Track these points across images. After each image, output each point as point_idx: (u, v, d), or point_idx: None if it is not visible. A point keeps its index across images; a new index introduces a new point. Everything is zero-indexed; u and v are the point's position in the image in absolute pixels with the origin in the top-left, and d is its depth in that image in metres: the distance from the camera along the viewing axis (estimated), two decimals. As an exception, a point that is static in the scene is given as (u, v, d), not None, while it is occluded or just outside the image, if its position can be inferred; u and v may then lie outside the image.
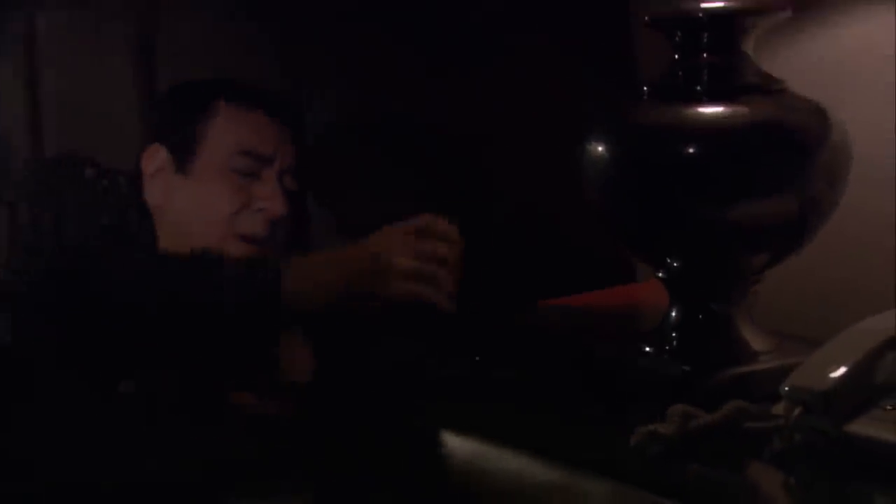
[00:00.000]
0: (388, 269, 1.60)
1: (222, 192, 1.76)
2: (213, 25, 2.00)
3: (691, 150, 1.36)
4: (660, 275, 1.49)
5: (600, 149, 1.43)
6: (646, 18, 1.47)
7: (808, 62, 1.66)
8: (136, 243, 1.79)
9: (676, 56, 1.43)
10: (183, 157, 1.78)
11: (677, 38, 1.42)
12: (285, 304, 1.57)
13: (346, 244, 1.70)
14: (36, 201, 1.82)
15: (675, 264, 1.47)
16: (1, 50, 1.97)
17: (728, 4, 1.40)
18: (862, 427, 1.14)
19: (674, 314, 1.48)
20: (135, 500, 1.59)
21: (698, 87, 1.40)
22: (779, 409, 1.19)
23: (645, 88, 1.46)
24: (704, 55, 1.41)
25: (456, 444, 1.38)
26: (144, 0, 1.99)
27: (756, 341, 1.44)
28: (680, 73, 1.43)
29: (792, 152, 1.37)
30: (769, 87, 1.41)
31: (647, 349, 1.49)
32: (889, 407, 1.16)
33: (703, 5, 1.40)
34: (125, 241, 1.78)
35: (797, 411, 1.16)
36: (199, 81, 1.86)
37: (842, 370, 1.17)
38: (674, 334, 1.48)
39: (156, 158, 1.80)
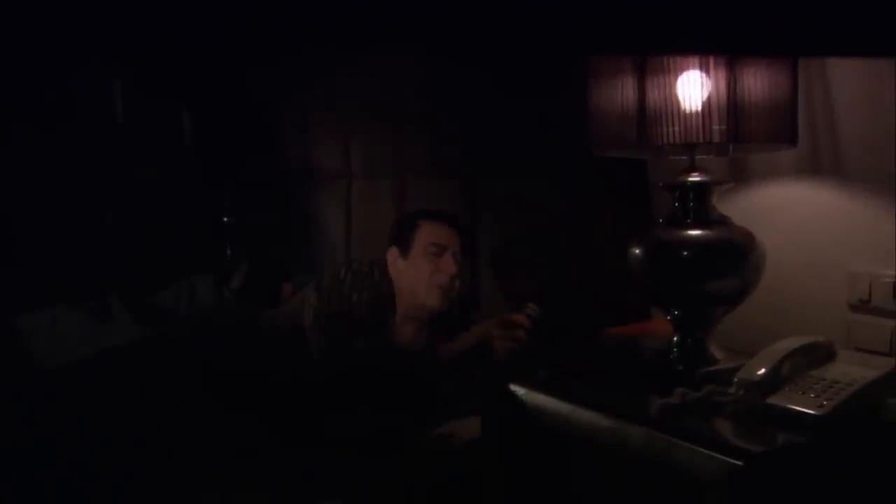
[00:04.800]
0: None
1: (424, 265, 1.87)
2: (425, 181, 2.11)
3: (685, 253, 1.51)
4: (667, 316, 1.60)
5: (638, 251, 1.56)
6: (660, 184, 1.60)
7: (741, 208, 1.68)
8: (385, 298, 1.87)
9: (676, 204, 1.56)
10: (404, 251, 1.89)
11: (676, 195, 1.55)
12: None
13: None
14: (343, 280, 1.87)
15: (676, 311, 1.58)
16: (336, 200, 2.11)
17: (702, 179, 1.53)
18: (774, 399, 1.30)
19: (675, 338, 1.58)
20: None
21: (688, 220, 1.53)
22: (732, 390, 1.34)
23: (660, 220, 1.59)
24: (690, 203, 1.54)
25: (555, 403, 1.45)
26: (398, 173, 2.12)
27: (718, 353, 1.55)
28: (677, 212, 1.55)
29: (735, 255, 1.51)
30: (723, 221, 1.54)
31: (661, 356, 1.59)
32: (787, 388, 1.31)
33: (689, 179, 1.53)
34: (381, 296, 1.86)
35: (742, 391, 1.33)
36: (411, 212, 1.97)
37: (764, 369, 1.32)
38: (675, 349, 1.58)
39: (392, 254, 1.91)
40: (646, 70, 1.46)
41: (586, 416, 1.40)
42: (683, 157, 1.56)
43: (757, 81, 1.43)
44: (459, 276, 1.88)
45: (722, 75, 1.43)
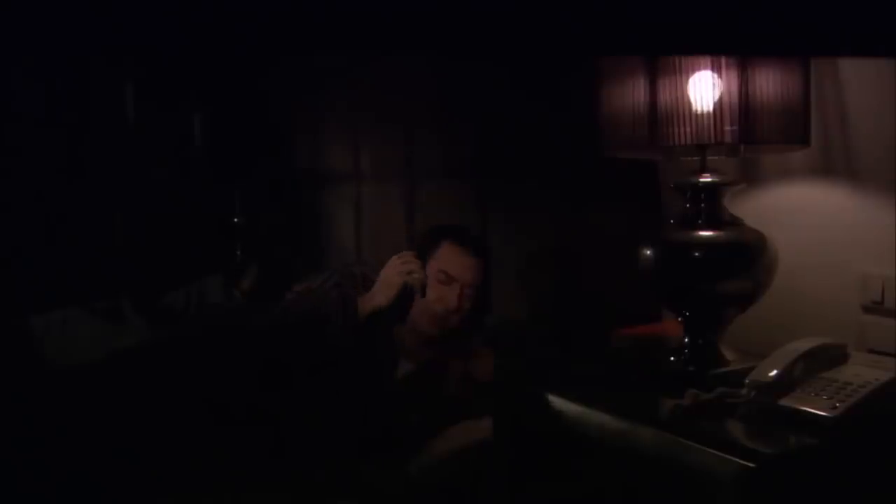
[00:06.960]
0: None
1: (428, 287, 1.80)
2: (436, 183, 2.09)
3: (696, 254, 1.50)
4: (679, 318, 1.59)
5: (648, 252, 1.55)
6: (671, 185, 1.59)
7: (753, 209, 1.68)
8: None
9: (687, 205, 1.55)
10: (423, 265, 1.82)
11: (688, 195, 1.55)
12: None
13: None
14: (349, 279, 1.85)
15: (686, 313, 1.57)
16: (346, 201, 2.11)
17: (714, 179, 1.52)
18: (786, 401, 1.30)
19: (686, 340, 1.58)
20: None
21: (699, 221, 1.52)
22: (744, 391, 1.34)
23: (671, 221, 1.57)
24: (702, 205, 1.53)
25: (566, 405, 1.45)
26: (408, 175, 2.11)
27: (729, 355, 1.55)
28: (689, 213, 1.54)
29: (747, 256, 1.50)
30: (735, 222, 1.53)
31: (672, 358, 1.58)
32: (800, 390, 1.31)
33: (701, 180, 1.52)
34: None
35: (753, 393, 1.33)
36: (441, 226, 1.88)
37: (776, 371, 1.33)
38: (686, 350, 1.57)
39: None
40: (657, 71, 1.45)
41: (597, 417, 1.40)
42: (695, 158, 1.55)
43: (769, 82, 1.42)
44: (461, 311, 1.80)
45: (734, 76, 1.42)
